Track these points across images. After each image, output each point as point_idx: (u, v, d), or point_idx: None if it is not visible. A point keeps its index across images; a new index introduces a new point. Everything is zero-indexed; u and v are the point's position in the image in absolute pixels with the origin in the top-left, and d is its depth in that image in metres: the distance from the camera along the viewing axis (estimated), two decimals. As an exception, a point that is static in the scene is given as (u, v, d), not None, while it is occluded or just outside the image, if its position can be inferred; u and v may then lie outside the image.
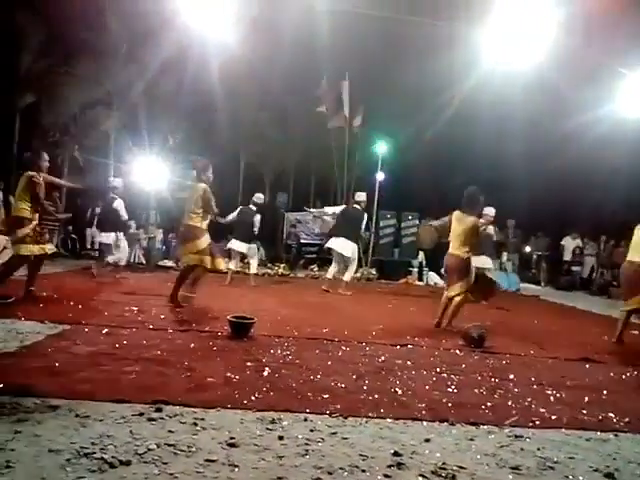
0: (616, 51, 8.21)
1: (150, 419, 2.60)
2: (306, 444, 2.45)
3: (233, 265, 9.14)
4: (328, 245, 9.19)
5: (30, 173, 5.62)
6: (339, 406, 2.98)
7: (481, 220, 7.97)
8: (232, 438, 2.43)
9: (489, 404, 3.21)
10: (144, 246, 11.68)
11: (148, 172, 11.86)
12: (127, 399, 2.81)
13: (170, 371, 3.41)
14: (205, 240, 6.03)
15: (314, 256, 13.87)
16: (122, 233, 8.81)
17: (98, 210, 12.83)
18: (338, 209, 9.23)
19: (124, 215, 8.68)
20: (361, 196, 9.02)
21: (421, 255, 13.28)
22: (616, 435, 2.88)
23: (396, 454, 2.40)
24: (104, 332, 4.42)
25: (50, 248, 5.85)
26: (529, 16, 6.46)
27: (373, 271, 12.19)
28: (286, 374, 3.53)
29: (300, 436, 2.53)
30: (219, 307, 6.07)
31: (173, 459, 2.20)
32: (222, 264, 6.31)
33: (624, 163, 14.71)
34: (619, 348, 5.61)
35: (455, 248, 5.85)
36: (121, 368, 3.38)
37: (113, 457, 2.14)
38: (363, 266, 12.01)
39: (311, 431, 2.62)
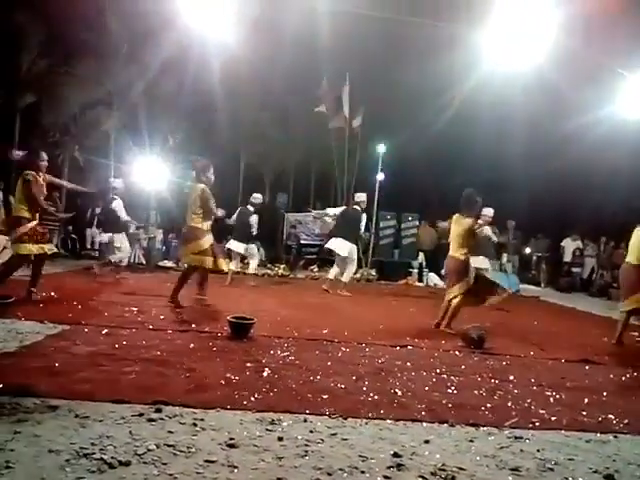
0: (616, 52, 8.21)
1: (150, 420, 2.60)
2: (306, 445, 2.45)
3: (233, 266, 9.15)
4: (327, 245, 9.26)
5: (26, 172, 5.63)
6: (339, 407, 2.97)
7: (479, 221, 8.01)
8: (231, 439, 2.43)
9: (489, 405, 3.21)
10: (144, 246, 11.67)
11: (148, 172, 11.86)
12: (127, 399, 2.81)
13: (170, 372, 3.41)
14: (207, 241, 6.03)
15: (314, 257, 13.87)
16: (121, 233, 8.79)
17: (98, 210, 12.86)
18: (339, 210, 9.28)
19: (122, 215, 8.67)
20: (360, 197, 9.03)
21: (421, 256, 13.28)
22: (616, 437, 2.88)
23: (396, 455, 2.40)
24: (104, 332, 4.42)
25: (50, 248, 5.84)
26: (529, 17, 6.45)
27: (373, 272, 12.19)
28: (286, 375, 3.53)
29: (300, 437, 2.53)
30: (219, 307, 6.07)
31: (172, 460, 2.20)
32: (224, 265, 6.29)
33: (624, 164, 14.72)
34: (619, 349, 5.61)
35: (454, 250, 5.88)
36: (121, 368, 3.38)
37: (112, 458, 2.14)
38: (363, 267, 12.01)
39: (311, 432, 2.62)
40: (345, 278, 8.86)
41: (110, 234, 8.78)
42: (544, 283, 13.88)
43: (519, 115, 15.00)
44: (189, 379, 3.29)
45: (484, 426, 2.87)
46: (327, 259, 13.11)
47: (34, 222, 5.67)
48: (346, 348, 4.57)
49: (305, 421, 2.76)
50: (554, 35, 6.44)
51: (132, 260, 11.01)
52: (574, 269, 13.67)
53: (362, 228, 8.78)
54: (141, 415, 2.64)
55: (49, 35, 13.57)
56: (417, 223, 14.02)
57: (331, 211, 9.51)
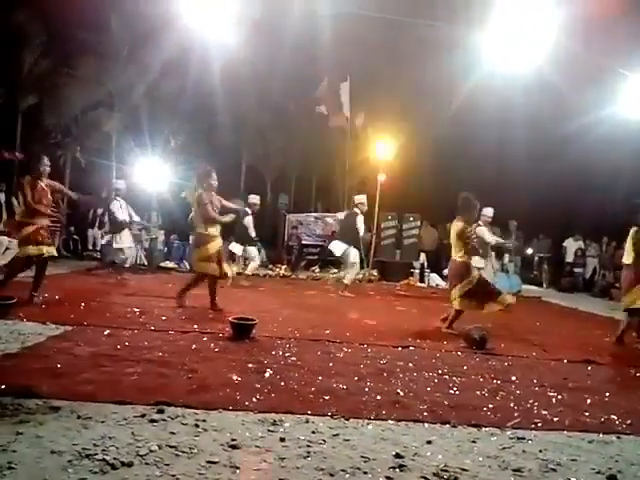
0: (617, 53, 8.21)
1: (152, 420, 2.60)
2: (308, 446, 2.45)
3: (235, 267, 9.17)
4: (329, 247, 9.41)
5: (26, 177, 5.70)
6: (341, 408, 2.97)
7: (479, 223, 8.03)
8: (233, 440, 2.43)
9: (491, 406, 3.20)
10: (146, 247, 11.67)
11: (150, 173, 11.87)
12: (129, 400, 2.82)
13: (172, 372, 3.41)
14: (212, 247, 6.02)
15: (315, 257, 13.88)
16: (120, 233, 8.75)
17: (100, 211, 12.88)
18: (343, 214, 9.54)
19: (119, 216, 8.68)
20: (359, 199, 9.05)
21: (422, 256, 13.27)
22: (618, 437, 2.88)
23: (398, 456, 2.40)
24: (106, 333, 4.43)
25: (48, 250, 5.79)
26: (530, 18, 6.46)
27: (375, 272, 12.18)
28: (288, 376, 3.53)
29: (302, 438, 2.53)
30: (220, 307, 6.07)
31: (175, 460, 2.20)
32: (229, 272, 6.18)
33: (626, 164, 14.71)
34: (621, 350, 5.60)
35: (454, 253, 5.90)
36: (123, 369, 3.39)
37: (115, 458, 2.14)
38: (365, 267, 12.01)
39: (313, 433, 2.62)
40: (346, 280, 8.88)
41: (110, 235, 8.80)
42: (546, 283, 13.86)
43: (520, 116, 14.99)
44: (191, 380, 3.29)
45: (486, 427, 2.87)
46: (328, 260, 13.12)
47: (35, 225, 5.69)
48: (348, 349, 4.57)
49: (307, 422, 2.76)
50: (555, 36, 6.44)
51: (133, 261, 11.01)
52: (576, 269, 13.66)
53: (360, 230, 8.77)
54: (143, 416, 2.65)
55: (51, 36, 13.61)
56: (418, 223, 14.01)
57: (339, 215, 9.84)
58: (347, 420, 2.82)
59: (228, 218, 6.40)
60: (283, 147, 18.93)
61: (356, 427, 2.75)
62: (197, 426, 2.58)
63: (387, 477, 2.20)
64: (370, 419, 2.86)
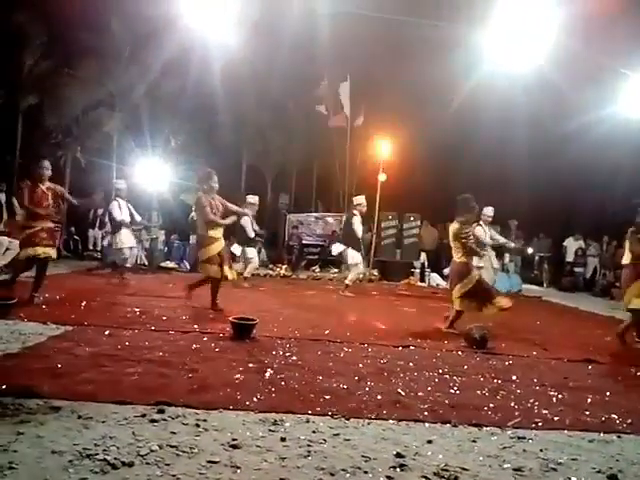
0: (618, 52, 8.20)
1: (152, 420, 2.60)
2: (308, 445, 2.45)
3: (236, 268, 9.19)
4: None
5: (26, 182, 5.79)
6: (341, 407, 2.98)
7: (480, 222, 8.03)
8: (234, 439, 2.44)
9: (491, 405, 3.20)
10: (146, 247, 11.68)
11: (150, 173, 11.86)
12: (129, 400, 2.82)
13: (172, 372, 3.41)
14: (213, 248, 6.02)
15: (316, 257, 13.88)
16: (119, 233, 8.73)
17: (100, 211, 12.89)
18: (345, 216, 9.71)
19: (116, 216, 8.69)
20: (357, 200, 9.05)
21: (423, 256, 13.27)
22: (619, 436, 2.88)
23: (398, 455, 2.40)
24: (106, 333, 4.43)
25: (45, 252, 5.77)
26: (530, 18, 6.45)
27: (375, 272, 12.18)
28: (288, 375, 3.53)
29: (302, 437, 2.53)
30: (221, 308, 6.07)
31: (175, 460, 2.20)
32: (229, 273, 6.12)
33: (626, 163, 14.69)
34: (622, 349, 5.59)
35: (454, 254, 5.91)
36: (123, 369, 3.39)
37: (115, 458, 2.15)
38: (365, 267, 12.01)
39: (313, 432, 2.62)
40: (347, 280, 8.90)
41: (111, 235, 8.82)
42: (546, 283, 13.85)
43: (521, 115, 14.98)
44: (191, 380, 3.29)
45: (487, 426, 2.87)
46: (329, 260, 13.13)
47: (34, 228, 5.71)
48: (348, 348, 4.57)
49: (308, 421, 2.76)
50: (555, 35, 6.44)
51: (134, 261, 11.01)
52: (576, 269, 13.64)
53: (357, 231, 8.77)
54: (144, 416, 2.65)
55: (51, 36, 13.60)
56: (419, 223, 14.01)
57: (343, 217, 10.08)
58: (348, 420, 2.82)
59: (229, 220, 6.37)
60: (283, 147, 18.90)
61: (357, 427, 2.75)
62: (198, 426, 2.58)
63: (388, 477, 2.20)
64: (371, 419, 2.86)
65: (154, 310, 5.77)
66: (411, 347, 4.83)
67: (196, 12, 6.56)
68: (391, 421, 2.85)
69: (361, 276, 9.27)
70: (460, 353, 4.74)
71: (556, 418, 3.07)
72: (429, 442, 2.60)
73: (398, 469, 2.28)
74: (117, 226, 8.73)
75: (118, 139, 15.02)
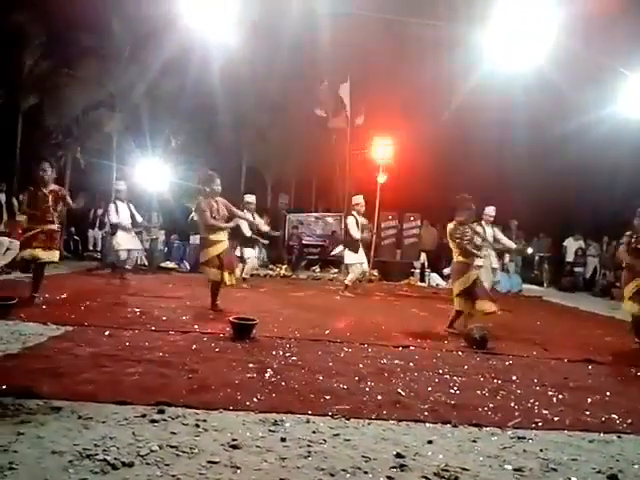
0: (618, 52, 8.20)
1: (152, 421, 2.60)
2: (308, 446, 2.45)
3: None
4: None
5: (29, 188, 5.84)
6: (341, 408, 2.97)
7: (482, 222, 8.03)
8: (234, 440, 2.44)
9: (492, 406, 3.20)
10: (146, 248, 11.68)
11: (151, 174, 11.86)
12: (129, 401, 2.82)
13: (172, 373, 3.41)
14: (213, 251, 6.00)
15: (316, 257, 13.88)
16: (116, 237, 8.73)
17: (100, 212, 12.90)
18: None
19: (112, 219, 8.70)
20: (354, 199, 9.06)
21: (423, 256, 13.26)
22: (619, 436, 2.88)
23: (399, 456, 2.40)
24: (106, 334, 4.43)
25: (43, 255, 5.73)
26: (530, 17, 6.45)
27: (375, 272, 12.18)
28: (288, 376, 3.53)
29: (302, 438, 2.53)
30: (221, 308, 6.07)
31: (175, 461, 2.20)
32: (228, 280, 6.04)
33: (626, 163, 14.68)
34: (622, 349, 5.59)
35: (453, 254, 5.90)
36: (123, 370, 3.39)
37: (115, 459, 2.15)
38: (366, 267, 12.00)
39: (313, 433, 2.62)
40: (346, 280, 8.91)
41: (110, 236, 8.84)
42: (546, 283, 13.85)
43: (520, 115, 14.97)
44: (191, 380, 3.29)
45: (487, 426, 2.87)
46: (329, 260, 13.14)
47: (34, 230, 5.71)
48: (348, 349, 4.57)
49: (308, 422, 2.76)
50: (555, 35, 6.43)
51: (134, 262, 11.00)
52: (576, 269, 13.64)
53: (352, 231, 8.76)
54: (144, 416, 2.65)
55: (51, 36, 13.59)
56: (419, 223, 14.00)
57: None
58: (348, 420, 2.82)
59: (232, 224, 6.36)
60: (283, 147, 18.89)
61: (357, 427, 2.75)
62: (198, 426, 2.58)
63: (388, 477, 2.20)
64: (371, 419, 2.86)
65: (154, 310, 5.77)
66: (411, 347, 4.83)
67: (196, 12, 6.55)
68: (391, 421, 2.85)
69: (361, 276, 9.22)
70: (460, 353, 4.74)
71: (556, 418, 3.07)
72: (429, 442, 2.60)
73: (398, 469, 2.28)
74: (114, 228, 8.76)
75: (118, 139, 15.00)
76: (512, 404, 3.28)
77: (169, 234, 12.88)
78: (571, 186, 17.23)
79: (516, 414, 3.08)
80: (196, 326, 5.02)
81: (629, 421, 3.09)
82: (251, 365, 3.73)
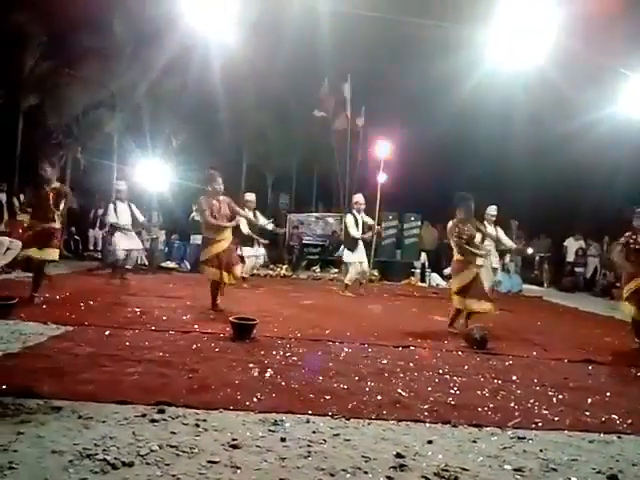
0: (618, 52, 8.20)
1: (152, 420, 2.60)
2: (308, 446, 2.45)
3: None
4: None
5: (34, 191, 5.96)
6: (341, 408, 2.98)
7: (484, 221, 8.03)
8: (234, 439, 2.44)
9: (492, 406, 3.20)
10: (147, 247, 11.68)
11: (151, 173, 11.87)
12: (129, 400, 2.82)
13: (172, 372, 3.41)
14: (212, 250, 6.00)
15: (316, 257, 13.88)
16: (116, 234, 8.73)
17: (101, 211, 12.89)
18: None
19: (110, 219, 8.71)
20: (355, 198, 9.08)
21: (423, 256, 13.26)
22: (619, 437, 2.88)
23: (398, 456, 2.40)
24: (106, 333, 4.44)
25: (37, 253, 5.72)
26: (531, 17, 6.45)
27: (375, 272, 12.17)
28: (288, 375, 3.53)
29: (302, 437, 2.53)
30: (221, 308, 6.07)
31: (175, 460, 2.20)
32: (227, 279, 6.03)
33: (627, 163, 14.67)
34: (622, 349, 5.59)
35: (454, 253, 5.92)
36: (123, 369, 3.39)
37: (116, 458, 2.15)
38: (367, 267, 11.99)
39: (313, 433, 2.62)
40: (346, 280, 8.91)
41: (108, 236, 8.87)
42: (547, 283, 13.85)
43: (521, 114, 14.98)
44: (192, 380, 3.30)
45: (487, 426, 2.87)
46: (329, 260, 13.14)
47: (34, 229, 5.71)
48: (349, 349, 4.57)
49: (308, 422, 2.76)
50: (555, 35, 6.43)
51: (134, 262, 11.01)
52: (577, 269, 13.63)
53: (349, 229, 8.77)
54: (144, 416, 2.65)
55: (52, 36, 13.60)
56: (419, 223, 14.00)
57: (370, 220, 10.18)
58: (348, 420, 2.82)
59: (234, 223, 6.36)
60: (284, 146, 18.91)
61: (357, 427, 2.75)
62: (198, 426, 2.58)
63: (388, 477, 2.20)
64: (371, 419, 2.86)
65: (154, 310, 5.77)
66: (411, 347, 4.83)
67: (197, 12, 6.56)
68: (391, 421, 2.85)
69: (361, 276, 9.18)
70: (460, 353, 4.73)
71: (556, 418, 3.07)
72: (429, 442, 2.60)
73: (398, 469, 2.28)
74: (112, 228, 8.78)
75: (119, 139, 15.01)
76: (512, 404, 3.28)
77: (169, 234, 12.88)
78: (572, 186, 17.23)
79: (516, 414, 3.08)
80: (196, 326, 5.02)
81: (629, 421, 3.09)
82: (251, 365, 3.73)
